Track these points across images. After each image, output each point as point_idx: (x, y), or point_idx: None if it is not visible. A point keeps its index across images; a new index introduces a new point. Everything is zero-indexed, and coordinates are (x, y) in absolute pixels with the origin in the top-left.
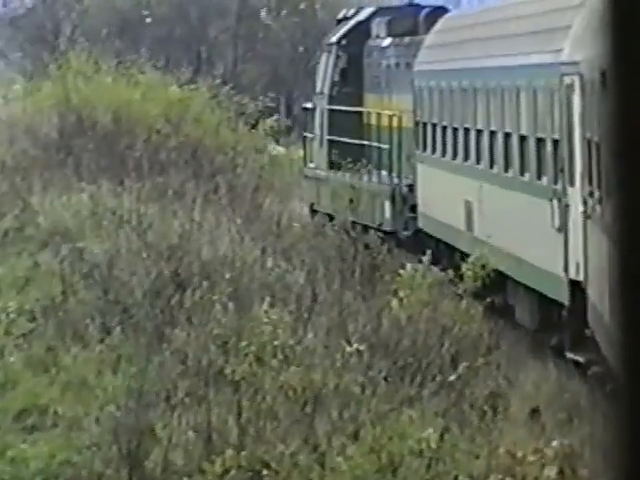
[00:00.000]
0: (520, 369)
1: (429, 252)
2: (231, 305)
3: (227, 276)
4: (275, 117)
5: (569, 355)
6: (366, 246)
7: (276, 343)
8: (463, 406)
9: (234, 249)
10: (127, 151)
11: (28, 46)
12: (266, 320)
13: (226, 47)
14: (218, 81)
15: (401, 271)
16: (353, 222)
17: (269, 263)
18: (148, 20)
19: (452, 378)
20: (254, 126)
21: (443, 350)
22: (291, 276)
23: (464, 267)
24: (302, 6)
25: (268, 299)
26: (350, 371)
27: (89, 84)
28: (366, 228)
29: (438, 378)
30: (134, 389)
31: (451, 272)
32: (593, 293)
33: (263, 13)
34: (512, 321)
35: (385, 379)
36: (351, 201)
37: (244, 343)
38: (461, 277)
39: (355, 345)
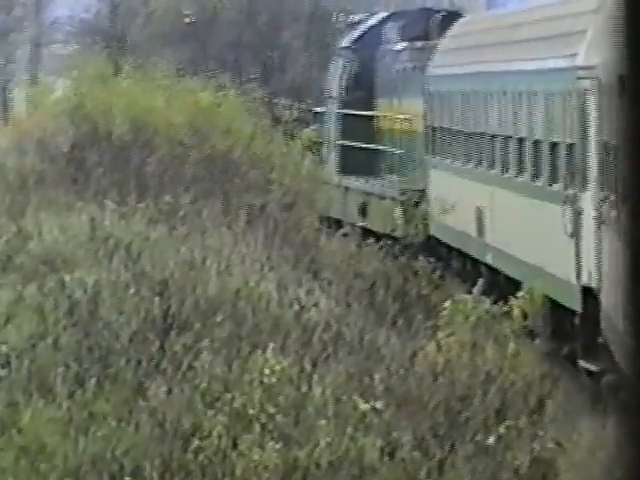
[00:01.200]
0: (574, 428)
1: (481, 281)
2: (225, 352)
3: (231, 314)
4: (313, 127)
5: (582, 363)
6: (415, 272)
7: (270, 410)
8: (502, 476)
9: (249, 281)
10: (144, 165)
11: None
12: (267, 371)
13: (297, 53)
14: (252, 85)
15: (446, 303)
16: (405, 245)
17: (288, 296)
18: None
19: (491, 440)
20: (292, 137)
21: (484, 403)
22: (314, 312)
23: (514, 304)
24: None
25: (272, 345)
26: (366, 433)
27: (105, 89)
28: (416, 255)
29: (475, 438)
30: (101, 458)
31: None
32: (606, 300)
33: (334, 17)
34: (572, 366)
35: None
36: (363, 208)
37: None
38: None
39: (372, 402)
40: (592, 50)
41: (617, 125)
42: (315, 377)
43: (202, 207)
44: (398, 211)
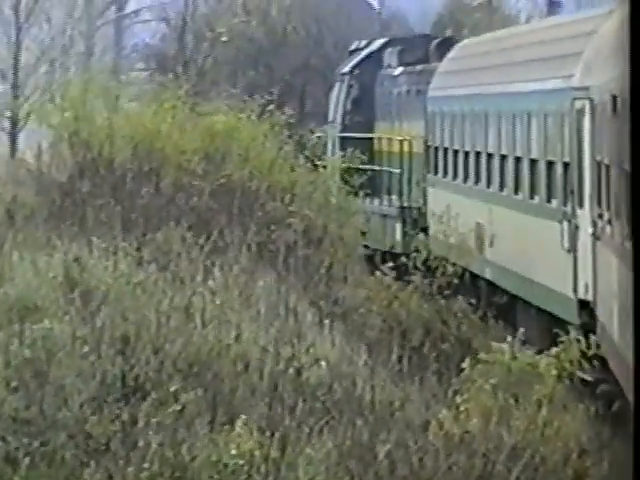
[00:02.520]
0: None
1: (522, 330)
2: (185, 426)
3: (213, 375)
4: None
5: (578, 374)
6: (454, 314)
7: None
8: None
9: (244, 332)
10: (146, 198)
11: (157, 77)
12: (234, 452)
13: None
14: (271, 107)
15: (483, 354)
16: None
17: (286, 351)
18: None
19: None
20: (319, 164)
21: None
22: (319, 370)
23: (546, 360)
24: (448, 32)
25: (244, 416)
26: None
27: (108, 111)
28: (456, 292)
29: None
30: None
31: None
32: (602, 313)
33: None
34: (623, 429)
35: None
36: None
37: None
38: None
39: None
40: (587, 72)
41: (611, 144)
42: (297, 458)
43: (206, 244)
44: (398, 228)
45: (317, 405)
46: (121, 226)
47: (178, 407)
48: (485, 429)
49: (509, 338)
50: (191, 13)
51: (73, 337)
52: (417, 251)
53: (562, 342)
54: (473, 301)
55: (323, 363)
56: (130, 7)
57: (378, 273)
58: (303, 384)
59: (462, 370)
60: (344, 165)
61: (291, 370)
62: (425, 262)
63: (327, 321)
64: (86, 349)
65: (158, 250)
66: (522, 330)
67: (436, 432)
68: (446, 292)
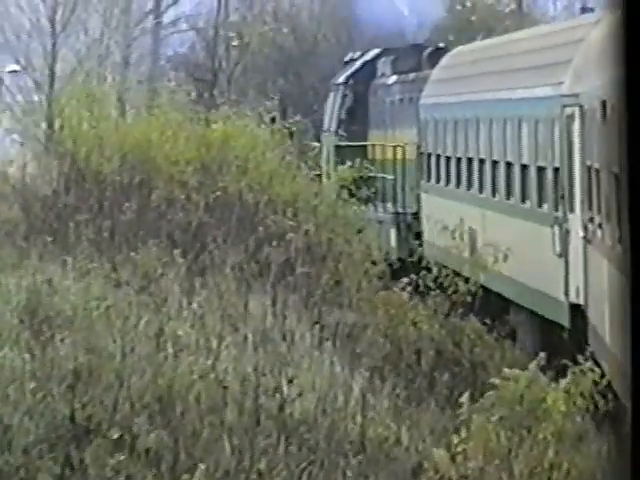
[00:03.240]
0: None
1: (542, 355)
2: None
3: (177, 413)
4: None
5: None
6: (467, 336)
7: None
8: None
9: (220, 361)
10: (131, 212)
11: (187, 86)
12: None
13: None
14: (273, 114)
15: (495, 379)
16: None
17: (269, 381)
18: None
19: None
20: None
21: None
22: (303, 402)
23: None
24: (479, 39)
25: (202, 466)
26: None
27: (96, 121)
28: (470, 309)
29: None
30: None
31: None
32: (593, 315)
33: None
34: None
35: None
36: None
37: None
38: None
39: None
40: (576, 79)
41: (601, 148)
42: None
43: (195, 262)
44: (392, 234)
45: (298, 445)
46: (102, 244)
47: (137, 450)
48: (484, 473)
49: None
50: (221, 21)
51: (23, 369)
52: (428, 270)
53: (573, 373)
54: (487, 321)
55: (311, 395)
56: (168, 17)
57: (396, 289)
58: (286, 419)
59: (474, 401)
60: (349, 175)
61: (273, 403)
62: (436, 279)
63: (328, 344)
64: (36, 383)
65: (139, 269)
66: (542, 355)
67: (430, 477)
68: (459, 311)
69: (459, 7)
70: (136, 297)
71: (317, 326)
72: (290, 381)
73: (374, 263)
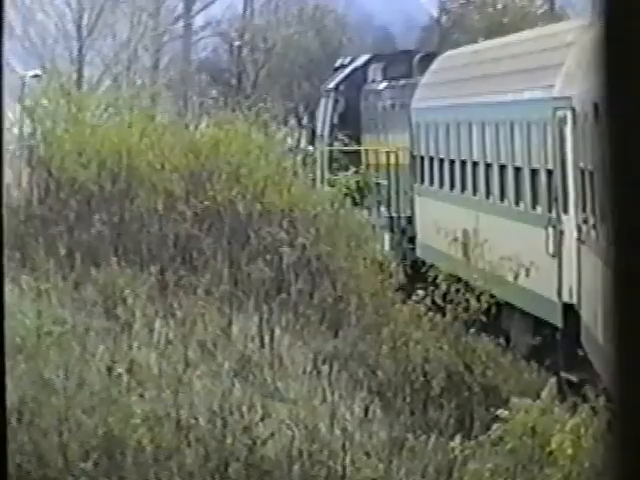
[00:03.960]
0: None
1: (553, 380)
2: None
3: (129, 459)
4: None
5: (563, 375)
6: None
7: None
8: None
9: (187, 394)
10: (109, 224)
11: (211, 90)
12: None
13: None
14: (266, 115)
15: (503, 412)
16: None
17: (242, 418)
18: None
19: None
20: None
21: None
22: (278, 441)
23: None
24: None
25: None
26: None
27: (73, 125)
28: (484, 328)
29: None
30: None
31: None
32: (586, 315)
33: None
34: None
35: None
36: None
37: None
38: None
39: None
40: (568, 82)
41: (593, 151)
42: None
43: (172, 281)
44: (386, 237)
45: None
46: (68, 259)
47: None
48: None
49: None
50: (245, 25)
51: None
52: (435, 285)
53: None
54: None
55: (290, 432)
56: (198, 21)
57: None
58: (257, 463)
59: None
60: (353, 181)
61: (244, 444)
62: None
63: (324, 368)
64: None
65: (108, 289)
66: (554, 380)
67: None
68: (470, 330)
69: (490, 9)
70: (99, 321)
71: (313, 349)
72: (262, 418)
73: (383, 272)
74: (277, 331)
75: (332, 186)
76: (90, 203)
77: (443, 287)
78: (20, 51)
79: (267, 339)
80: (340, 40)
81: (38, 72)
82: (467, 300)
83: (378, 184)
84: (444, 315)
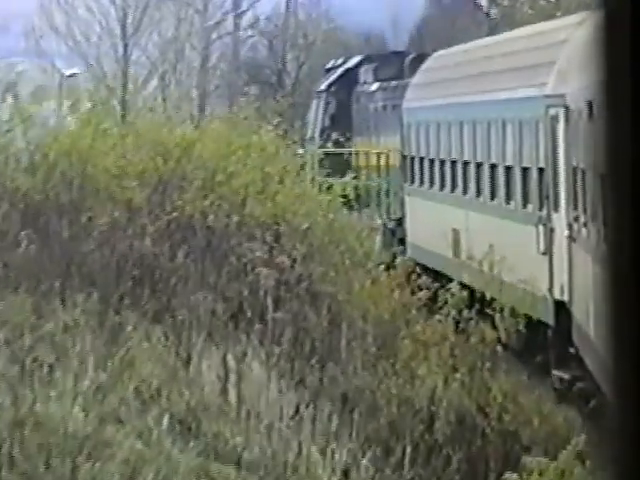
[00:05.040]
0: None
1: (581, 438)
2: None
3: None
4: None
5: (554, 372)
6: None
7: None
8: None
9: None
10: (29, 243)
11: (252, 88)
12: None
13: None
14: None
15: (512, 475)
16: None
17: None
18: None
19: None
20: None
21: None
22: None
23: None
24: None
25: None
26: None
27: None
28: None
29: None
30: None
31: None
32: (577, 312)
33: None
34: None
35: None
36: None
37: None
38: None
39: None
40: (561, 79)
41: (586, 148)
42: None
43: (117, 311)
44: (377, 239)
45: None
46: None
47: None
48: None
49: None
50: (286, 20)
51: None
52: (445, 304)
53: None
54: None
55: None
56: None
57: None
58: None
59: None
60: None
61: None
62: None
63: (309, 411)
64: None
65: (22, 324)
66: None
67: None
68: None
69: (543, 2)
70: (10, 365)
71: (299, 386)
72: None
73: (383, 294)
74: (252, 368)
75: (327, 189)
76: (27, 215)
77: (453, 313)
78: (63, 50)
79: (233, 379)
80: (383, 36)
81: (76, 71)
82: (482, 331)
83: (368, 185)
84: (452, 349)
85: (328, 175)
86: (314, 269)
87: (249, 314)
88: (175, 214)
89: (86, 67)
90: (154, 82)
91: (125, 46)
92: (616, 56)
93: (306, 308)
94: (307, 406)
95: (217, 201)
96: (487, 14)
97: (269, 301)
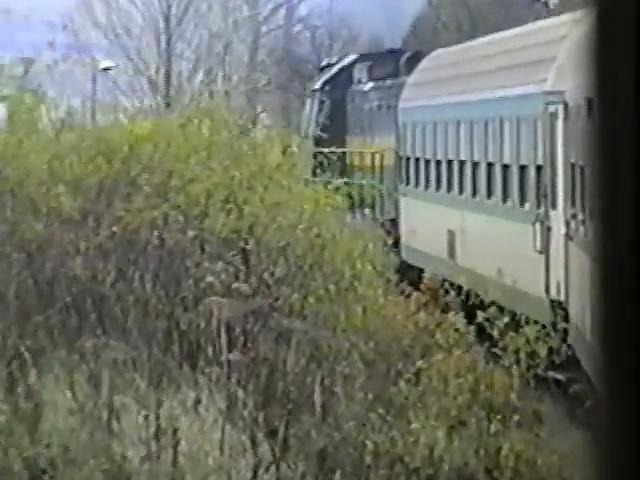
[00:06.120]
0: None
1: None
2: None
3: None
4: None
5: (550, 374)
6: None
7: None
8: None
9: None
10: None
11: (288, 83)
12: None
13: None
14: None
15: None
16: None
17: None
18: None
19: None
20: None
21: None
22: None
23: None
24: None
25: None
26: None
27: None
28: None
29: None
30: None
31: None
32: (574, 312)
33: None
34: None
35: None
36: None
37: None
38: None
39: None
40: (560, 76)
41: (585, 146)
42: None
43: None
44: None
45: None
46: None
47: None
48: None
49: None
50: (327, 11)
51: None
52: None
53: None
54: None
55: None
56: (300, 12)
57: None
58: None
59: None
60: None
61: None
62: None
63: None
64: None
65: None
66: None
67: None
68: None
69: None
70: None
71: (271, 437)
72: None
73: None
74: (203, 418)
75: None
76: None
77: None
78: (103, 42)
79: (168, 438)
80: (434, 26)
81: (110, 64)
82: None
83: (361, 186)
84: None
85: (315, 175)
86: (289, 296)
87: (209, 352)
88: (114, 229)
89: (127, 61)
90: (199, 76)
91: (168, 39)
92: (614, 52)
93: (276, 346)
94: (267, 469)
95: (171, 211)
96: (545, 3)
97: (223, 339)
